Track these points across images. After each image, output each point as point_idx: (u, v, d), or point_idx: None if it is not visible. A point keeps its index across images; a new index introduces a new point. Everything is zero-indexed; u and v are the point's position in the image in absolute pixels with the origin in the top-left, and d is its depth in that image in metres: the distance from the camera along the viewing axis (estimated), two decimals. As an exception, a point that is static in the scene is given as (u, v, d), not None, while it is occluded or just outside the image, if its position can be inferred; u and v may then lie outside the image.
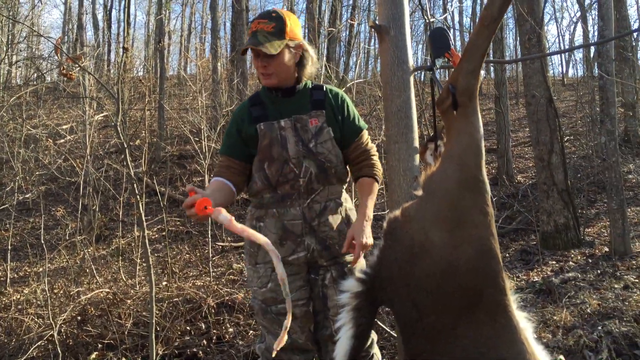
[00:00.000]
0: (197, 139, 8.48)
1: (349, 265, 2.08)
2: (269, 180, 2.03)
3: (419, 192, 1.61)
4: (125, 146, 3.46)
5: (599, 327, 4.16)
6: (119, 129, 3.37)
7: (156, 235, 8.54)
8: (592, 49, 14.97)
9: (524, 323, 1.52)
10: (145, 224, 3.56)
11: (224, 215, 1.60)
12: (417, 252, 1.54)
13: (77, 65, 3.65)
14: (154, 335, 3.46)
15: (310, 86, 2.17)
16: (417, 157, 1.96)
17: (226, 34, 22.36)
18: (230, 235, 8.97)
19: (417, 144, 1.98)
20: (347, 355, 1.56)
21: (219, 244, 8.34)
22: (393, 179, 1.94)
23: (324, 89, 2.17)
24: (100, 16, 23.86)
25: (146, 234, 3.48)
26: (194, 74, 16.76)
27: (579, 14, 22.10)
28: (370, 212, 2.00)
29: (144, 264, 6.03)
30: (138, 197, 3.77)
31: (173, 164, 12.21)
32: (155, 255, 7.24)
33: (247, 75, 14.33)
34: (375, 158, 2.16)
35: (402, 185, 1.88)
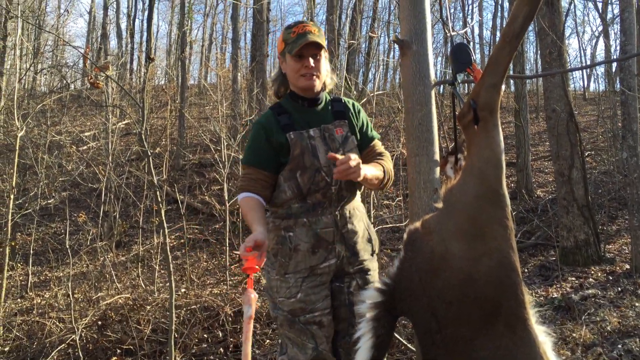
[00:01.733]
0: (217, 148, 8.58)
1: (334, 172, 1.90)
2: (300, 189, 2.03)
3: (440, 205, 1.63)
4: (149, 154, 3.54)
5: (619, 346, 4.11)
6: (142, 136, 3.45)
7: (175, 243, 8.63)
8: (614, 64, 14.83)
9: (543, 337, 1.52)
10: (166, 231, 3.62)
11: (247, 305, 1.69)
12: (437, 264, 1.56)
13: (103, 74, 3.75)
14: (172, 341, 3.51)
15: (329, 98, 2.23)
16: (438, 170, 1.98)
17: (246, 45, 22.62)
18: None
19: (437, 157, 2.00)
20: (366, 365, 1.57)
21: (236, 252, 8.40)
22: (414, 191, 1.96)
23: (343, 100, 2.22)
24: (123, 25, 24.34)
25: (167, 241, 3.54)
26: (215, 84, 16.96)
27: (600, 28, 21.89)
28: (366, 169, 1.97)
29: (163, 271, 6.10)
30: (160, 204, 3.83)
31: (193, 172, 12.34)
32: (174, 262, 7.32)
33: (267, 85, 14.46)
34: (387, 159, 2.19)
35: (423, 198, 1.90)
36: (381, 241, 6.52)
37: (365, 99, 5.99)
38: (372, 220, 4.14)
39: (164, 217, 3.59)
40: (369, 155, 2.18)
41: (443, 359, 1.54)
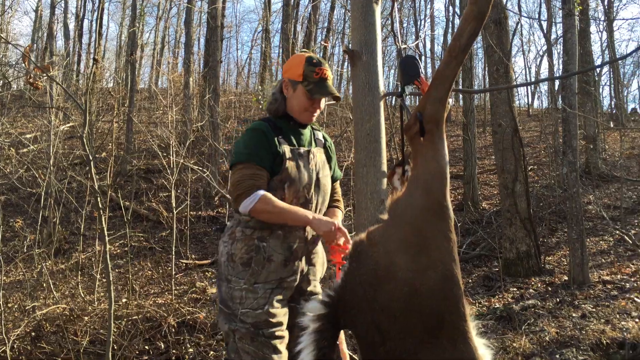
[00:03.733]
0: (165, 154, 8.37)
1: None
2: (284, 200, 2.04)
3: (385, 216, 1.63)
4: (91, 158, 3.40)
5: (557, 356, 4.24)
6: (85, 140, 3.31)
7: (118, 251, 8.35)
8: (557, 82, 15.49)
9: (483, 350, 1.53)
10: (107, 238, 3.48)
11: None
12: (382, 276, 1.55)
13: (44, 75, 3.58)
14: (110, 354, 3.36)
15: (310, 126, 2.30)
16: (385, 181, 1.98)
17: (200, 50, 22.29)
18: (195, 253, 8.84)
19: (385, 168, 2.00)
20: (307, 378, 1.54)
21: (183, 261, 8.20)
22: (360, 202, 1.95)
23: (321, 132, 2.34)
24: (71, 26, 23.54)
25: (108, 248, 3.40)
26: (165, 88, 16.64)
27: (545, 47, 22.87)
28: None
29: (104, 280, 5.87)
30: (101, 210, 3.68)
31: (139, 178, 12.02)
32: (116, 270, 7.07)
33: (219, 91, 14.29)
34: (341, 205, 2.34)
35: (369, 208, 1.90)
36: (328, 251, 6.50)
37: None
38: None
39: (104, 224, 3.45)
40: (331, 193, 2.29)
41: (387, 372, 1.52)
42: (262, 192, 1.97)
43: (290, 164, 2.07)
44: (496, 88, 8.41)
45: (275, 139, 2.08)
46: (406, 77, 1.93)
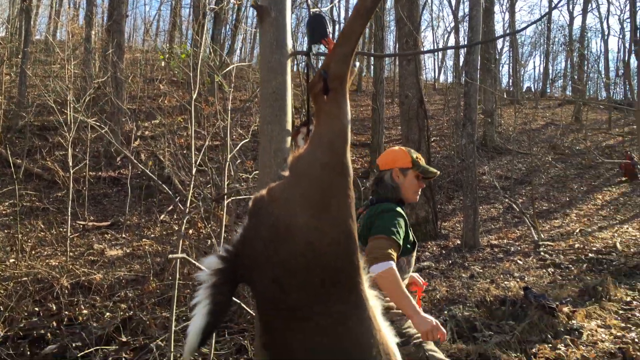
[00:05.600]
0: (63, 110, 7.83)
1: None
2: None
3: (286, 173, 1.63)
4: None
5: (445, 312, 4.54)
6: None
7: (8, 210, 7.79)
8: (462, 58, 16.19)
9: (374, 301, 1.60)
10: (-8, 194, 3.22)
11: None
12: (282, 233, 1.56)
13: None
14: (-5, 316, 3.16)
15: None
16: (289, 139, 1.98)
17: (104, 3, 20.82)
18: (94, 215, 8.45)
19: (290, 127, 2.00)
20: (201, 331, 1.53)
21: (80, 222, 7.81)
22: (264, 160, 1.94)
23: None
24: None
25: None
26: (64, 41, 15.48)
27: (452, 24, 23.71)
28: None
29: (-10, 241, 5.49)
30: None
31: (33, 135, 11.18)
32: (5, 231, 6.61)
33: (124, 48, 13.50)
34: None
35: (272, 166, 1.89)
36: (237, 214, 6.48)
37: (224, 71, 5.83)
38: (226, 192, 4.07)
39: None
40: None
41: (283, 326, 1.55)
42: (393, 264, 2.19)
43: (414, 254, 2.45)
44: (404, 54, 8.66)
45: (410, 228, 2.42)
46: (313, 35, 1.92)
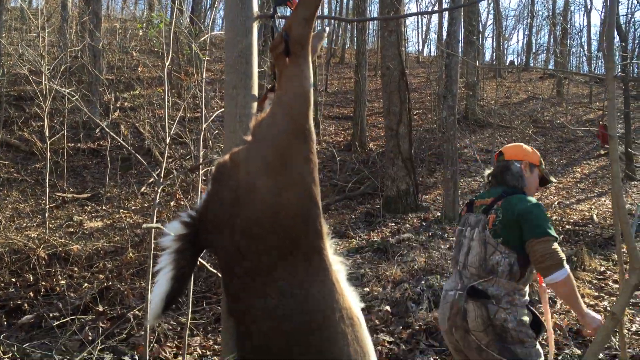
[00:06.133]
0: (39, 80, 7.66)
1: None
2: (522, 277, 2.35)
3: (248, 138, 1.61)
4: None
5: (423, 282, 4.60)
6: None
7: (-17, 182, 7.68)
8: (445, 33, 16.07)
9: (338, 266, 1.61)
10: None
11: None
12: (243, 196, 1.55)
13: None
14: (-34, 287, 3.13)
15: None
16: (255, 105, 1.95)
17: (81, -32, 20.22)
18: (73, 187, 8.36)
19: (256, 91, 1.97)
20: (165, 296, 1.53)
21: (59, 194, 7.73)
22: (229, 125, 1.91)
23: None
24: None
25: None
26: (40, 9, 15.06)
27: (437, -4, 23.43)
28: None
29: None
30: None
31: (9, 105, 10.95)
32: (-20, 203, 6.52)
33: (101, 15, 13.18)
34: None
35: (238, 132, 1.86)
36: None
37: (202, 39, 5.72)
38: (201, 162, 4.04)
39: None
40: None
41: (245, 291, 1.55)
42: (568, 269, 2.19)
43: None
44: (385, 18, 8.58)
45: None
46: (279, -2, 1.88)
